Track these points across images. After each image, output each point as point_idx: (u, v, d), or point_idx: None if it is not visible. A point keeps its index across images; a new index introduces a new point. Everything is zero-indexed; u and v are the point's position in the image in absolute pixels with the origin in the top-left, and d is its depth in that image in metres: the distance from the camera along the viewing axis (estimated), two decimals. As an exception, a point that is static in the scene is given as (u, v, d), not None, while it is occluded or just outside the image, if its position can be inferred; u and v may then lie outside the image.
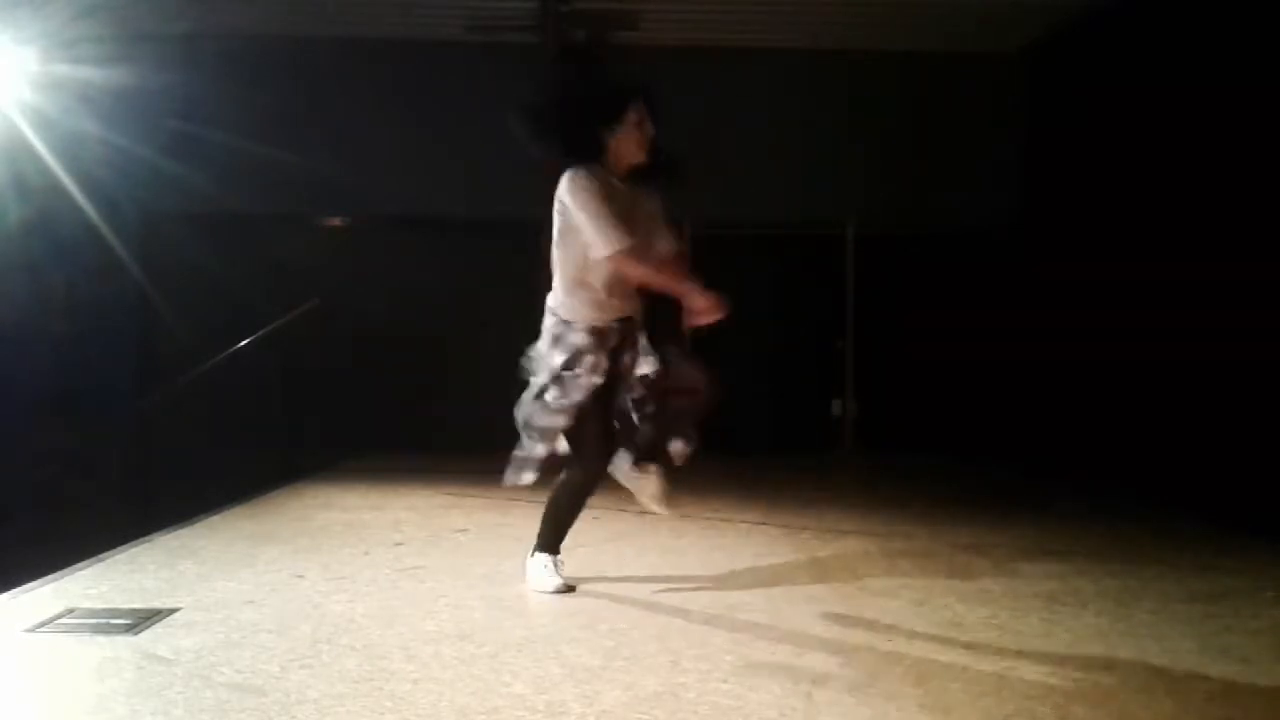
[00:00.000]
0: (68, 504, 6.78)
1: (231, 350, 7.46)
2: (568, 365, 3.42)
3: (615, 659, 2.87)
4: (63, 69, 6.48)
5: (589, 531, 4.69)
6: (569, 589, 3.60)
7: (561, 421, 3.43)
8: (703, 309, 3.38)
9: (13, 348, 7.10)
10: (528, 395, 3.52)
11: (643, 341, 3.58)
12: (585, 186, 3.41)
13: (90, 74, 6.67)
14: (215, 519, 5.02)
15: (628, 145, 3.53)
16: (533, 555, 3.68)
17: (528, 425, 3.50)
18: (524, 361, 3.60)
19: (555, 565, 3.63)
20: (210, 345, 7.60)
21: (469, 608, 3.41)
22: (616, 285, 3.49)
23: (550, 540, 3.67)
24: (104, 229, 7.49)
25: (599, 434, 3.49)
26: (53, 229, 7.31)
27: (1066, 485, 6.66)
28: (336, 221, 8.91)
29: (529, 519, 5.18)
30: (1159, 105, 6.63)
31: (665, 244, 3.63)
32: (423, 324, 8.36)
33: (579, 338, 3.45)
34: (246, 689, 2.58)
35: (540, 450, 3.47)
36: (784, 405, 8.63)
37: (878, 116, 8.47)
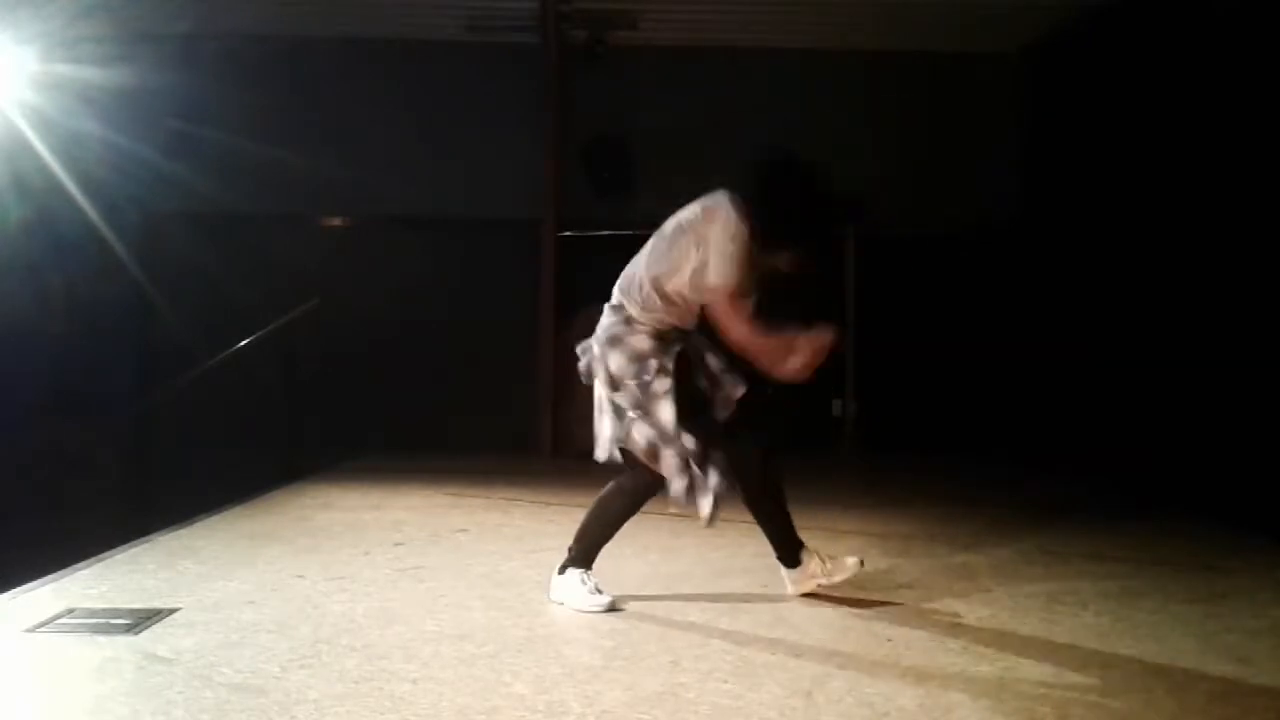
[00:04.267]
0: (68, 504, 6.78)
1: (231, 350, 7.46)
2: (634, 372, 3.28)
3: (615, 659, 2.87)
4: (63, 69, 6.48)
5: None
6: (616, 608, 3.38)
7: (655, 433, 3.24)
8: (793, 371, 3.25)
9: (13, 348, 7.10)
10: (607, 410, 3.34)
11: (722, 363, 3.42)
12: (737, 234, 3.26)
13: (90, 74, 6.67)
14: (215, 519, 5.02)
15: (790, 261, 3.41)
16: (562, 572, 3.47)
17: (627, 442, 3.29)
18: (581, 360, 3.44)
19: (594, 581, 3.43)
20: (210, 345, 7.60)
21: (469, 608, 3.41)
22: (686, 320, 3.36)
23: (587, 553, 3.47)
24: (104, 229, 7.49)
25: (703, 427, 3.30)
26: (53, 229, 7.31)
27: (1066, 485, 6.65)
28: (336, 221, 8.91)
29: (529, 519, 5.22)
30: (1159, 105, 6.64)
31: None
32: (422, 324, 8.37)
33: (644, 342, 3.30)
34: (246, 689, 2.58)
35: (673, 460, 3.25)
36: (784, 405, 8.63)
37: (878, 116, 8.47)
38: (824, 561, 3.57)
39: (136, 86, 7.14)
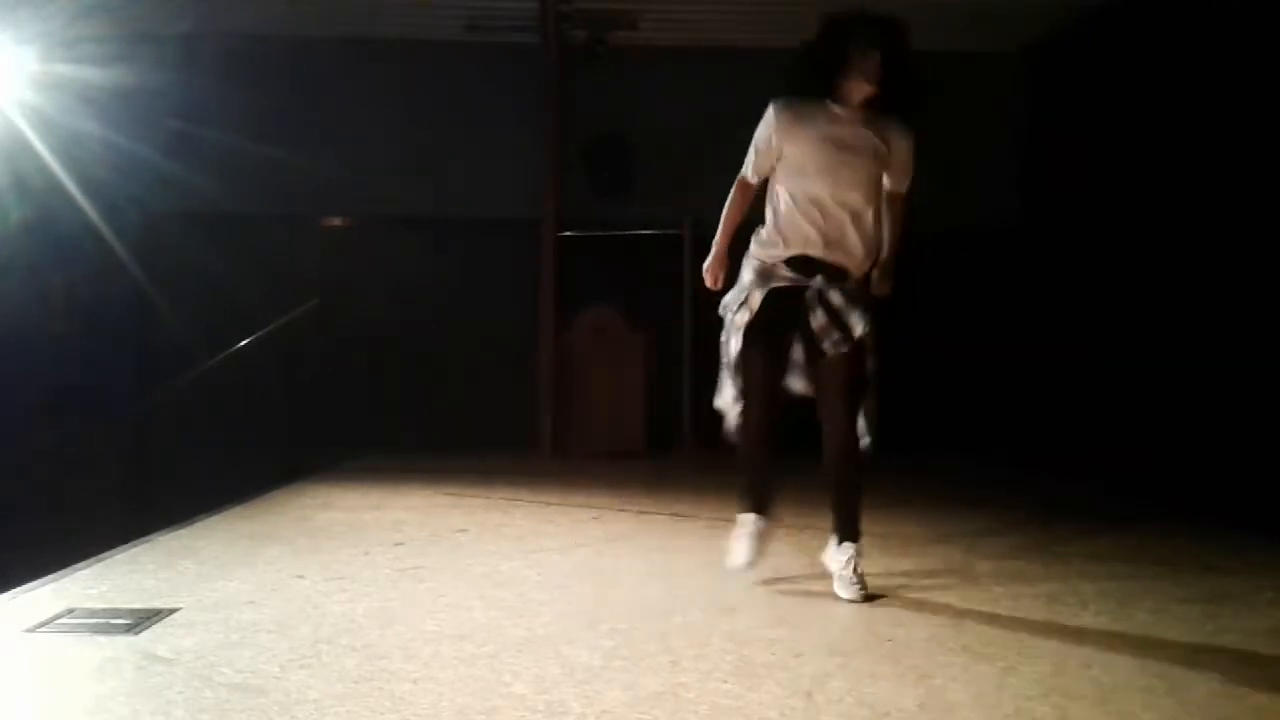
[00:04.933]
0: (68, 504, 6.78)
1: (231, 350, 7.46)
2: (734, 302, 3.47)
3: (615, 659, 2.87)
4: (63, 69, 6.48)
5: (588, 531, 4.70)
6: (750, 564, 3.54)
7: (725, 358, 3.47)
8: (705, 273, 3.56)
9: (13, 348, 7.10)
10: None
11: (846, 301, 3.51)
12: (766, 118, 3.55)
13: (90, 74, 6.66)
14: (215, 519, 5.02)
15: (855, 84, 3.62)
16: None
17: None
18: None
19: (749, 529, 3.58)
20: (210, 345, 7.60)
21: (469, 608, 3.41)
22: (792, 225, 3.48)
23: (742, 496, 3.63)
24: (104, 229, 7.49)
25: (752, 377, 3.49)
26: (53, 229, 7.31)
27: (1067, 485, 6.65)
28: (336, 221, 8.91)
29: (529, 519, 5.21)
30: (1159, 105, 6.64)
31: (891, 182, 3.72)
32: (422, 324, 8.37)
33: (748, 275, 3.48)
34: (246, 689, 2.58)
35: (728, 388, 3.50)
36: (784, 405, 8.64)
37: (877, 116, 8.46)
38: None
39: (136, 86, 7.14)
